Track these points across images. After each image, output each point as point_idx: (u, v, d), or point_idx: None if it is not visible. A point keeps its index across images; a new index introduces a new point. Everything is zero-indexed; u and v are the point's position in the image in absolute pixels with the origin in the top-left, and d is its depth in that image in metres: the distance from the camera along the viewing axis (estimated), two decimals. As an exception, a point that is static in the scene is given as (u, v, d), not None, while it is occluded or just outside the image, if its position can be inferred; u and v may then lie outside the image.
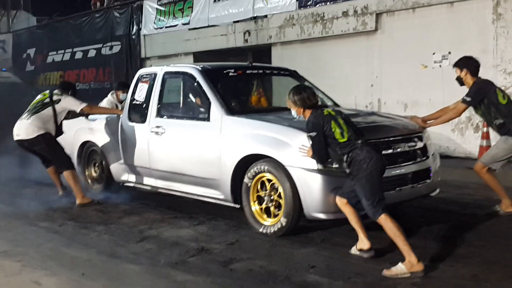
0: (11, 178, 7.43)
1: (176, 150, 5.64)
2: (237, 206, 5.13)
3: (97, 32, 17.28)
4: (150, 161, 5.93)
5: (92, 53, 17.62)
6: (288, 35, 11.63)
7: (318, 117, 4.12)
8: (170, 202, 6.14)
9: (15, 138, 6.35)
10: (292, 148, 4.50)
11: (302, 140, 4.43)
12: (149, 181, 6.11)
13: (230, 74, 5.76)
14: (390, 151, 4.65)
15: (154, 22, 14.94)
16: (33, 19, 22.83)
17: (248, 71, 6.00)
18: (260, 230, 4.79)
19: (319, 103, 6.04)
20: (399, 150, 4.72)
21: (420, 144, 4.94)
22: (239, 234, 4.85)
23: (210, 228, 5.10)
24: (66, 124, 6.66)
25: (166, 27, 14.59)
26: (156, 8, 14.90)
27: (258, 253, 4.32)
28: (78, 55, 18.23)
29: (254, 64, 6.10)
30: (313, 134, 4.10)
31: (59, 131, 6.45)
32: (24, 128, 6.24)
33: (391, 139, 4.73)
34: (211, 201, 5.41)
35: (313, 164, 4.36)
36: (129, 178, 6.39)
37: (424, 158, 4.95)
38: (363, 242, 4.18)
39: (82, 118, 6.91)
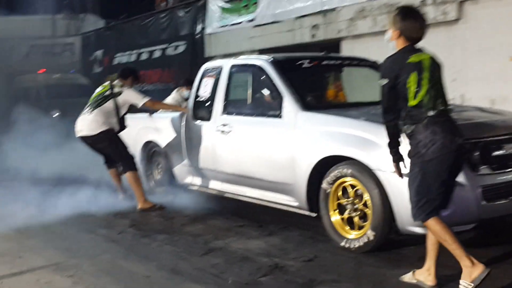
0: (69, 178, 7.10)
1: (243, 150, 5.08)
2: (313, 214, 4.50)
3: (162, 33, 17.18)
4: (215, 162, 5.40)
5: (157, 54, 17.53)
6: (360, 28, 10.87)
7: (396, 62, 3.20)
8: (236, 207, 5.58)
9: (78, 134, 6.03)
10: (382, 149, 3.79)
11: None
12: (214, 185, 5.58)
13: (304, 65, 5.13)
14: (501, 152, 3.85)
15: (218, 21, 14.62)
16: (101, 22, 23.21)
17: (324, 62, 5.33)
18: (342, 244, 4.12)
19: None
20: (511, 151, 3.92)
21: (535, 145, 4.11)
22: (316, 248, 4.20)
23: (282, 240, 4.48)
24: (128, 123, 6.28)
25: (230, 25, 14.20)
26: (221, 6, 14.54)
27: (343, 274, 3.65)
28: (144, 56, 18.20)
29: (330, 54, 5.45)
30: (384, 81, 3.19)
31: (122, 125, 6.07)
32: (87, 123, 5.91)
33: (501, 138, 3.93)
34: (282, 208, 4.81)
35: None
36: (193, 181, 5.90)
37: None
38: (429, 276, 3.32)
39: (145, 116, 6.51)
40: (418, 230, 3.67)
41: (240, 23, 13.83)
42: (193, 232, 4.80)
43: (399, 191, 3.69)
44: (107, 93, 5.94)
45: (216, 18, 14.70)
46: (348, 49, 11.31)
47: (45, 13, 23.50)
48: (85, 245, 4.57)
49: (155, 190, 6.48)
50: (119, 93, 5.91)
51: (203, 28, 15.18)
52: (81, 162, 7.30)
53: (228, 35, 14.18)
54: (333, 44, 11.60)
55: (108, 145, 5.95)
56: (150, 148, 6.58)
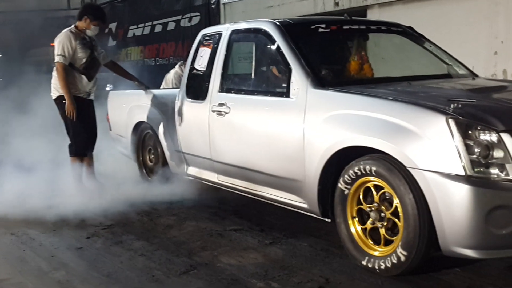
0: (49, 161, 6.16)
1: (242, 137, 4.11)
2: (327, 220, 3.54)
3: (176, 3, 16.31)
4: (211, 150, 4.46)
5: (171, 26, 16.66)
6: (389, -6, 9.79)
7: None
8: (237, 204, 4.67)
9: None
10: (422, 140, 2.80)
11: (439, 127, 2.73)
12: (210, 176, 4.64)
13: (320, 30, 4.09)
14: None
15: (235, -11, 13.67)
16: (117, -7, 22.39)
17: (345, 27, 4.29)
18: (364, 262, 3.16)
19: (446, 71, 4.38)
20: None
21: None
22: (330, 267, 3.24)
23: (287, 252, 3.53)
24: (119, 101, 5.32)
25: (247, -7, 13.25)
26: (237, -27, 13.55)
27: (364, 311, 2.71)
28: (158, 29, 17.36)
29: (353, 18, 4.41)
30: None
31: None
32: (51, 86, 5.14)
33: None
34: (290, 208, 3.86)
35: (458, 167, 2.65)
36: (188, 170, 4.97)
37: None
38: None
39: (140, 92, 5.60)
40: (469, 252, 2.69)
41: (258, -9, 12.88)
42: (178, 239, 3.88)
43: (445, 199, 2.69)
44: None
45: (232, -14, 13.76)
46: (374, 19, 10.27)
47: (60, -16, 22.86)
48: (42, 254, 3.68)
49: (149, 178, 5.58)
50: None
51: (219, -3, 14.30)
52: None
53: (245, 4, 13.25)
54: (359, 14, 10.57)
55: (62, 114, 4.99)
56: (142, 130, 5.67)
